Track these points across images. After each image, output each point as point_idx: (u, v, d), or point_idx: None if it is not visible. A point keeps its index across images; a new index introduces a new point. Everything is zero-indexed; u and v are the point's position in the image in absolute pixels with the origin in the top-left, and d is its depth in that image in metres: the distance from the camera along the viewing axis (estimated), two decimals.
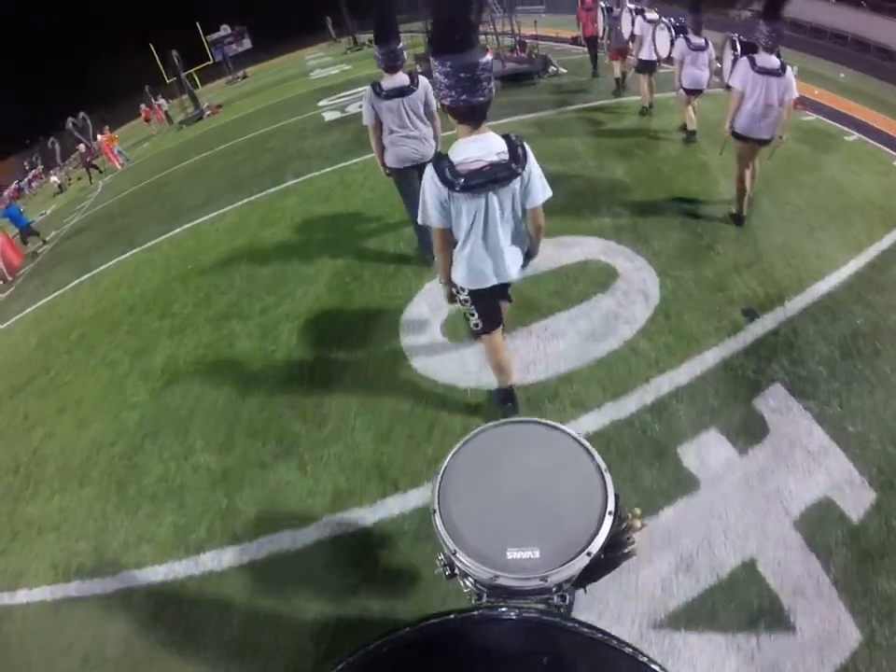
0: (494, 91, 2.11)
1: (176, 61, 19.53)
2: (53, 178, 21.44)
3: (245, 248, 6.22)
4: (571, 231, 4.88)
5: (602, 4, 9.04)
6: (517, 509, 1.14)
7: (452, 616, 0.53)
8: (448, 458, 1.25)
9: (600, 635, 0.51)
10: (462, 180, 2.12)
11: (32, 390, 4.64)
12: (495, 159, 2.14)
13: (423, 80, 3.76)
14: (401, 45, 3.67)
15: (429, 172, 2.17)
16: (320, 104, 13.67)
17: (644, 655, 0.49)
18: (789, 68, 3.87)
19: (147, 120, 24.18)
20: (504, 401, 3.04)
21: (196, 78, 39.16)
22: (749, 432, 2.87)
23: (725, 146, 4.63)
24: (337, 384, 3.70)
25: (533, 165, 2.23)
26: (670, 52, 6.19)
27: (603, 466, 1.18)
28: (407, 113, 3.74)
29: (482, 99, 2.06)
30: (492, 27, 11.02)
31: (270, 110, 15.76)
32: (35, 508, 3.38)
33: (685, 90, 5.92)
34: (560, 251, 4.56)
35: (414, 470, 2.92)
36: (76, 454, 3.68)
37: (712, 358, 3.38)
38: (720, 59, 5.80)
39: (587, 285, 4.16)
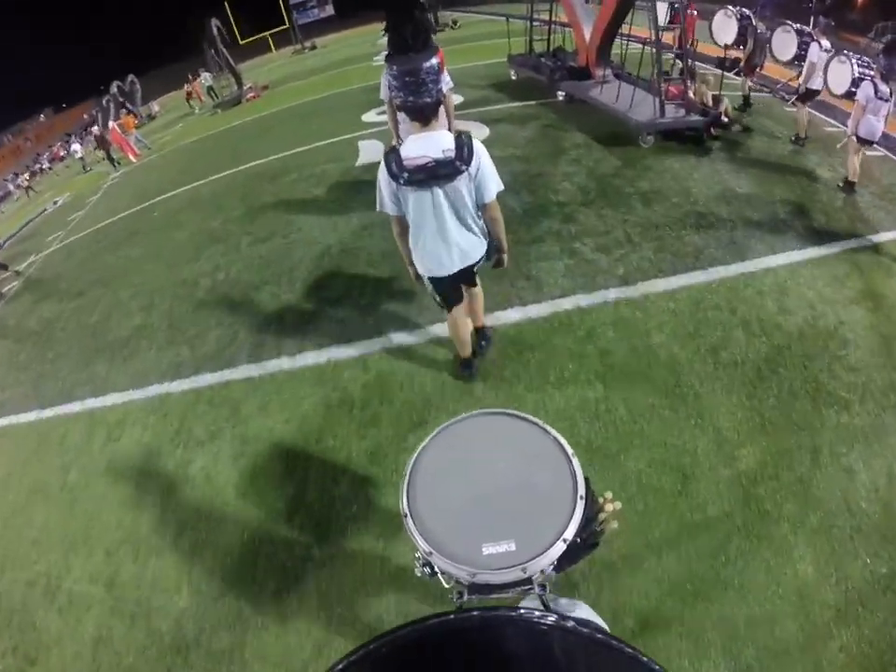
0: (441, 92, 2.11)
1: (215, 31, 15.23)
2: (75, 147, 17.69)
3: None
4: None
5: (730, 10, 7.06)
6: (488, 502, 1.05)
7: (451, 616, 0.50)
8: (413, 458, 1.14)
9: (600, 635, 0.49)
10: (406, 174, 2.12)
11: None
12: (440, 156, 2.09)
13: None
14: None
15: (381, 164, 2.18)
16: (364, 117, 9.13)
17: (645, 656, 0.46)
18: None
19: (189, 97, 20.16)
20: (463, 367, 3.03)
21: (271, 41, 35.42)
22: None
23: None
24: None
25: (483, 163, 2.17)
26: (848, 91, 5.11)
27: (570, 451, 1.10)
28: None
29: (428, 100, 2.04)
30: (651, 38, 6.05)
31: (306, 112, 11.35)
32: None
33: (858, 138, 4.62)
34: None
35: None
36: None
37: None
38: None
39: None
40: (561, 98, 7.73)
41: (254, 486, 2.83)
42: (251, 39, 33.88)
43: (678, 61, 7.47)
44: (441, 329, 3.46)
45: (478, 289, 2.90)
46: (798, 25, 6.65)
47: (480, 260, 2.53)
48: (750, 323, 3.22)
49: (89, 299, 5.64)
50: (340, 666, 0.46)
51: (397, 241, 2.52)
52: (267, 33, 34.64)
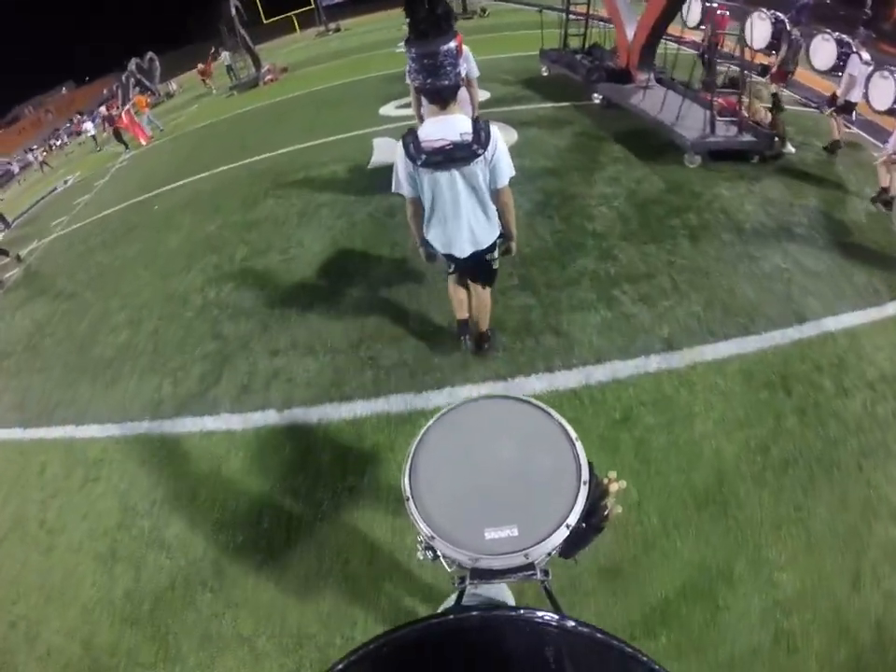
0: (460, 76, 2.07)
1: (234, 11, 14.50)
2: (87, 125, 17.07)
3: None
4: None
5: (764, 13, 6.52)
6: (491, 487, 1.02)
7: (451, 616, 0.50)
8: (416, 442, 1.10)
9: (600, 635, 0.48)
10: (424, 156, 2.13)
11: None
12: (457, 139, 2.10)
13: (464, 49, 3.23)
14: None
15: (398, 145, 2.18)
16: (382, 110, 8.48)
17: (645, 655, 0.46)
18: None
19: (203, 75, 19.46)
20: (461, 332, 3.04)
21: (295, 22, 34.49)
22: None
23: None
24: None
25: (499, 148, 2.16)
26: (891, 107, 5.05)
27: (574, 436, 1.06)
28: None
29: (446, 83, 2.04)
30: (705, 45, 5.30)
31: (322, 100, 10.68)
32: None
33: None
34: None
35: None
36: None
37: None
38: None
39: None
40: (597, 101, 6.99)
41: (233, 565, 2.39)
42: (275, 19, 33.01)
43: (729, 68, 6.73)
44: (447, 397, 2.88)
45: (486, 295, 2.82)
46: (837, 34, 6.45)
47: (493, 246, 2.50)
48: (806, 410, 2.65)
49: (79, 303, 5.22)
50: (340, 666, 0.45)
51: (410, 223, 2.51)
52: (292, 13, 33.72)
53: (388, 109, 8.43)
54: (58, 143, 26.54)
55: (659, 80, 6.63)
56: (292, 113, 10.25)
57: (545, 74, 8.88)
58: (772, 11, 6.71)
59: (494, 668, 0.45)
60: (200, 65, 19.42)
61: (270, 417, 3.07)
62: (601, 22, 8.13)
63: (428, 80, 2.01)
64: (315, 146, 7.52)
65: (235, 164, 7.74)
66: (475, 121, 2.13)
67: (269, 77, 15.50)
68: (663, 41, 6.63)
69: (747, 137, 5.14)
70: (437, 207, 2.31)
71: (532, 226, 4.19)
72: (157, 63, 22.91)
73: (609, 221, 4.22)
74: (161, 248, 5.80)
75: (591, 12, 8.14)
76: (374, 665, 0.46)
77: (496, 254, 2.56)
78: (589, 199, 4.56)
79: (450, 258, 2.51)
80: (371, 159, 6.37)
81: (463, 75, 3.48)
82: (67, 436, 3.43)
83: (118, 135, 13.65)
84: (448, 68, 1.99)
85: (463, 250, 2.41)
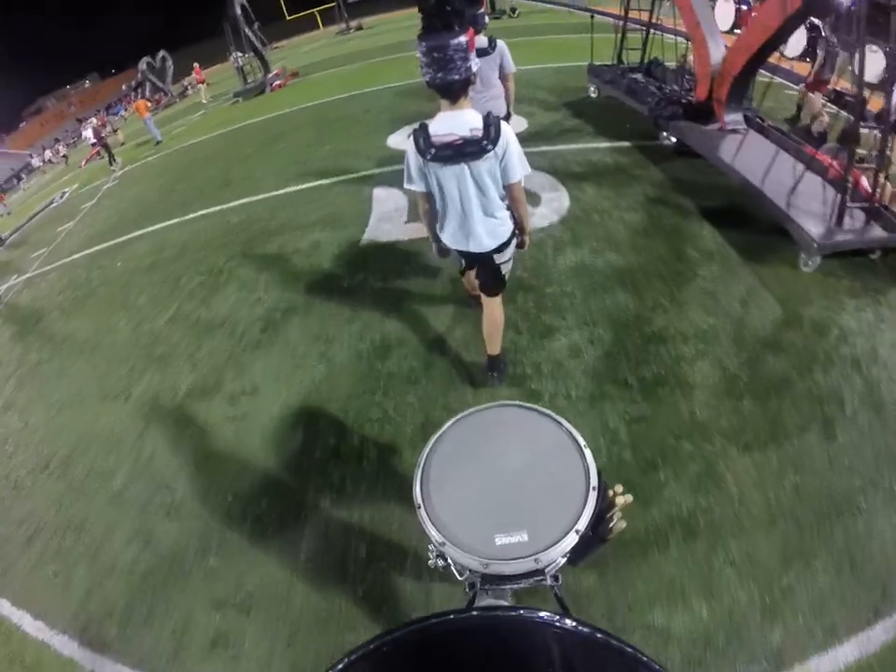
0: (471, 69, 1.97)
1: (239, 10, 12.94)
2: (87, 132, 15.72)
3: None
4: None
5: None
6: (501, 494, 1.03)
7: (451, 616, 0.49)
8: (426, 450, 1.11)
9: (600, 635, 0.47)
10: (433, 150, 2.08)
11: None
12: (467, 134, 2.06)
13: (500, 44, 3.53)
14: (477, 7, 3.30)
15: (410, 139, 2.15)
16: (392, 140, 6.93)
17: (644, 655, 0.45)
18: None
19: (200, 82, 17.96)
20: (490, 367, 2.83)
21: (319, 18, 32.80)
22: None
23: None
24: None
25: (511, 144, 2.09)
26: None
27: (582, 443, 1.08)
28: (482, 73, 3.19)
29: (456, 77, 1.97)
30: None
31: (326, 117, 9.19)
32: None
33: None
34: None
35: None
36: None
37: None
38: None
39: None
40: (667, 143, 5.33)
41: None
42: (298, 15, 31.45)
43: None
44: None
45: (498, 310, 2.63)
46: (887, 46, 5.46)
47: (503, 248, 2.38)
48: None
49: (21, 404, 4.01)
50: (340, 666, 0.44)
51: (422, 218, 2.48)
52: (315, 9, 32.08)
53: (398, 139, 6.86)
54: (72, 142, 25.66)
55: (747, 120, 4.93)
56: (289, 135, 8.73)
57: (594, 96, 7.18)
58: None
59: (494, 668, 0.43)
60: (196, 66, 18.06)
61: None
62: (659, 32, 6.41)
63: (438, 74, 1.95)
64: (306, 191, 6.02)
65: (211, 209, 6.31)
66: (486, 117, 2.02)
67: (276, 82, 14.01)
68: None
69: (879, 232, 3.43)
70: (447, 203, 2.25)
71: (596, 403, 2.60)
72: (169, 62, 21.55)
73: (713, 396, 2.60)
74: (108, 341, 4.41)
75: (653, 21, 6.40)
76: (374, 664, 0.45)
77: (506, 255, 2.43)
78: (680, 341, 2.93)
79: (461, 253, 2.43)
80: (367, 226, 4.82)
81: (507, 73, 3.58)
82: (5, 614, 2.52)
83: (109, 153, 12.43)
84: (458, 62, 1.91)
85: (471, 246, 2.33)
